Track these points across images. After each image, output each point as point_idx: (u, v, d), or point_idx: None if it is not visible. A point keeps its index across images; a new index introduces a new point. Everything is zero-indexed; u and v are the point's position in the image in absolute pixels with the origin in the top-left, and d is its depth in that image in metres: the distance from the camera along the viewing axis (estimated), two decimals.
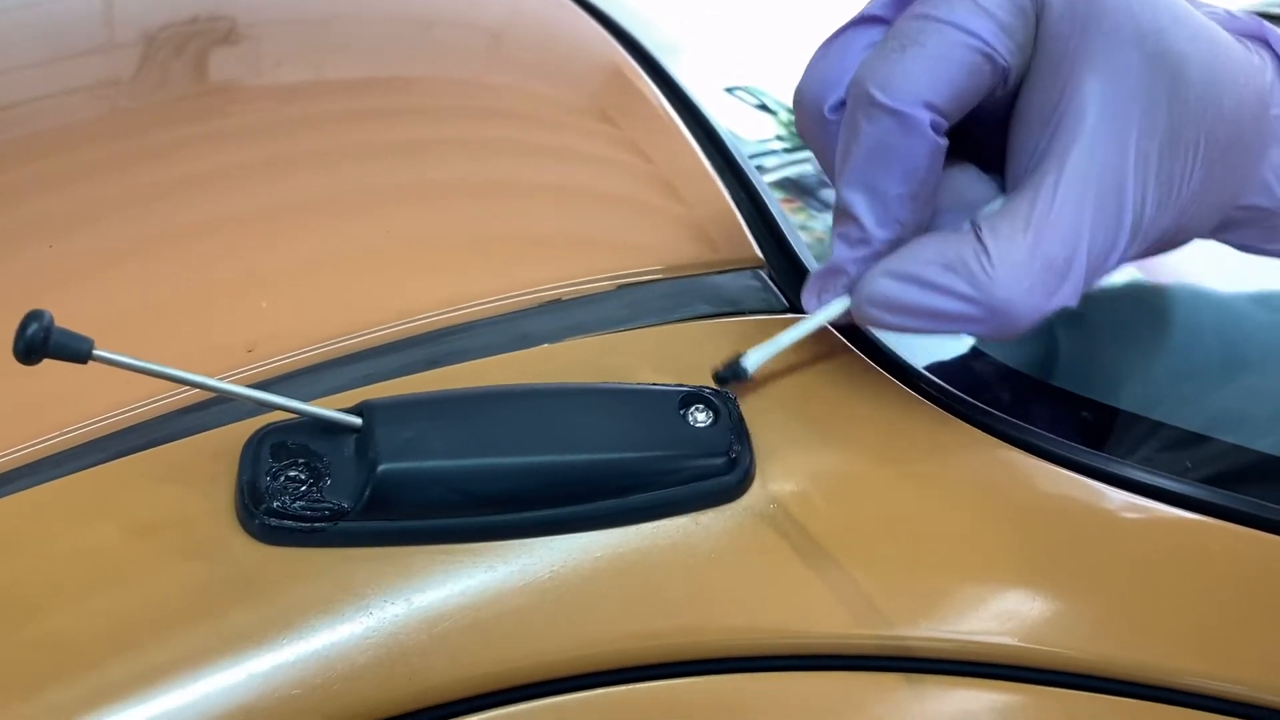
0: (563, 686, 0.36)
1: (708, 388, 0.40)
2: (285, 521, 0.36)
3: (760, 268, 0.48)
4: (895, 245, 0.40)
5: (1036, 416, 0.43)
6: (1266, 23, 0.42)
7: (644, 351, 0.43)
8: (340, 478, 0.37)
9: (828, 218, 0.50)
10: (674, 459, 0.38)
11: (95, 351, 0.35)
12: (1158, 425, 0.46)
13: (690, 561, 0.38)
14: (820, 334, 0.44)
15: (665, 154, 0.55)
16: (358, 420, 0.38)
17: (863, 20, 0.41)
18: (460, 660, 0.35)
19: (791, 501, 0.39)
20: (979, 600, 0.38)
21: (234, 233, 0.49)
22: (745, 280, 0.47)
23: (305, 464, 0.37)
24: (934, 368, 0.44)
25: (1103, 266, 0.39)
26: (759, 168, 0.54)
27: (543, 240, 0.49)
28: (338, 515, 0.36)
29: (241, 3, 0.68)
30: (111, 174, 0.54)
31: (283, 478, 0.37)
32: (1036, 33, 0.39)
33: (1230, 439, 0.46)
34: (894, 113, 0.38)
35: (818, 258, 0.48)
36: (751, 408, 0.40)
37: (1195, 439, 0.46)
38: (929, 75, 0.37)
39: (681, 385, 0.41)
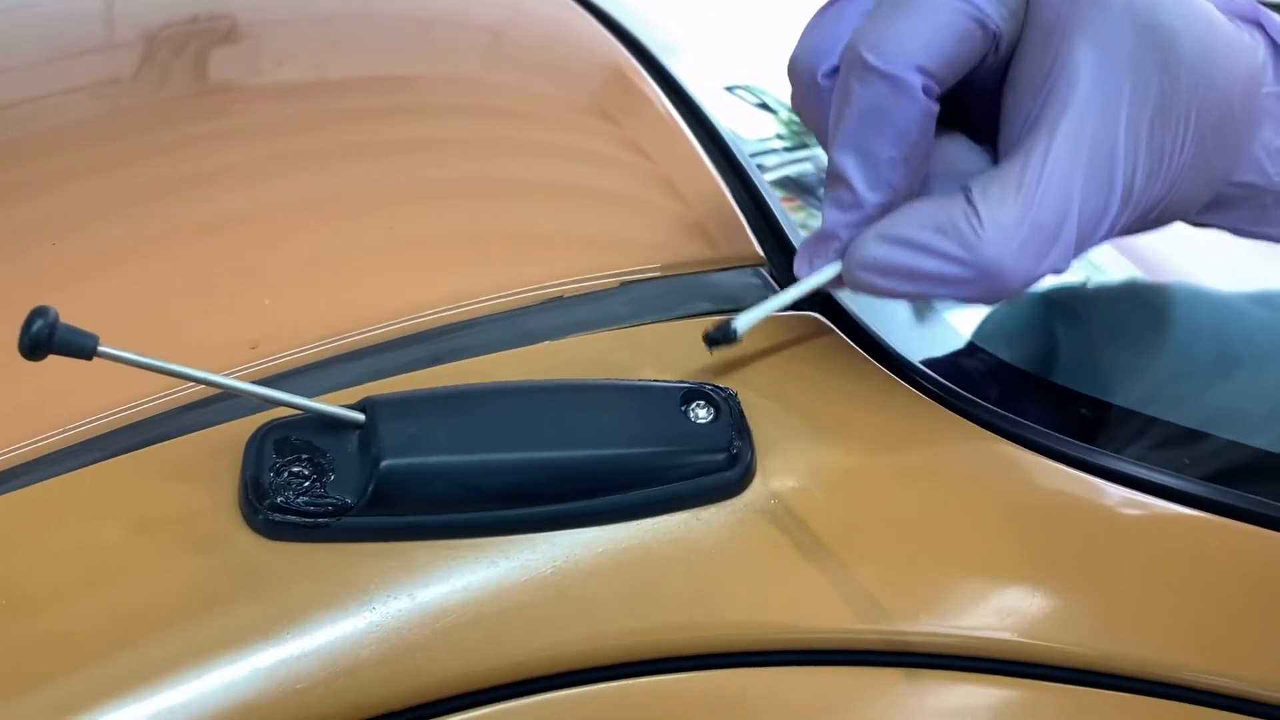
0: (565, 681, 0.36)
1: (709, 384, 0.41)
2: (289, 517, 0.36)
3: (761, 265, 0.48)
4: (887, 210, 0.40)
5: (1036, 412, 0.43)
6: (1260, 6, 0.42)
7: (645, 348, 0.43)
8: (344, 473, 0.37)
9: None
10: (675, 455, 0.38)
11: (100, 348, 0.35)
12: (1156, 422, 0.46)
13: (691, 557, 0.38)
14: (821, 331, 0.45)
15: (666, 152, 0.55)
16: (361, 416, 0.38)
17: None
18: (463, 655, 0.35)
19: (792, 497, 0.39)
20: (979, 595, 0.39)
21: (237, 230, 0.49)
22: (746, 278, 0.47)
23: (309, 460, 0.37)
24: (934, 364, 0.45)
25: (1094, 233, 0.39)
26: (759, 166, 0.54)
27: (545, 238, 0.49)
28: (341, 510, 0.36)
29: (242, 1, 0.68)
30: (113, 172, 0.54)
31: (286, 473, 0.37)
32: (1028, 0, 0.39)
33: (1229, 436, 0.46)
34: (886, 75, 0.38)
35: None
36: (752, 404, 0.41)
37: (1194, 435, 0.46)
38: (921, 39, 0.38)
39: (683, 382, 0.41)
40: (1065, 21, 0.38)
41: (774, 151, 0.59)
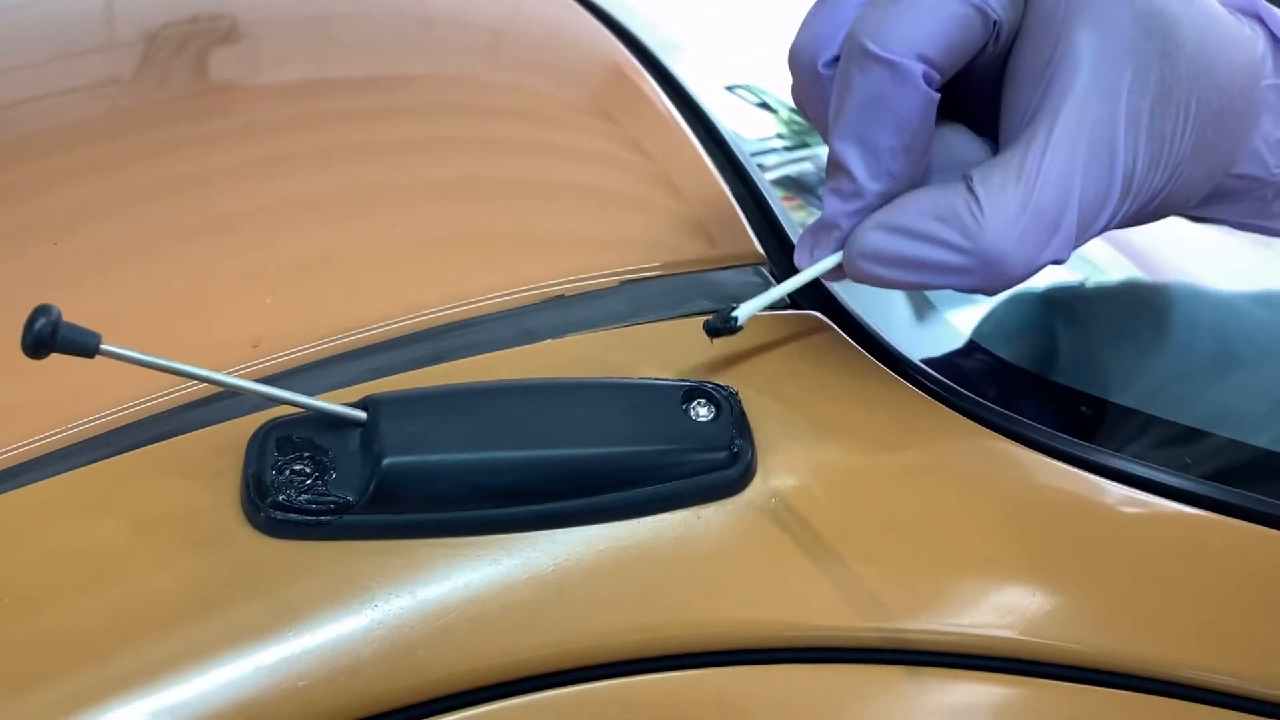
0: (566, 679, 0.36)
1: (710, 382, 0.41)
2: (291, 515, 0.36)
3: (761, 264, 0.48)
4: (887, 199, 0.39)
5: (1037, 411, 0.43)
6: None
7: (646, 347, 0.43)
8: (345, 471, 0.37)
9: None
10: (676, 453, 0.38)
11: (102, 346, 0.35)
12: (1157, 420, 0.46)
13: (692, 555, 0.38)
14: (821, 329, 0.45)
15: (667, 151, 0.55)
16: (363, 414, 0.38)
17: None
18: (464, 653, 0.36)
19: (793, 495, 0.39)
20: (980, 594, 0.39)
21: (238, 229, 0.49)
22: (746, 276, 0.47)
23: (311, 458, 0.37)
24: (934, 362, 0.45)
25: (1095, 221, 0.39)
26: (760, 165, 0.54)
27: (545, 237, 0.49)
28: (343, 508, 0.36)
29: (242, 1, 0.68)
30: (114, 172, 0.54)
31: (288, 471, 0.37)
32: None
33: (1229, 435, 0.46)
34: (887, 63, 0.38)
35: None
36: (753, 402, 0.41)
37: (1194, 434, 0.46)
38: (922, 27, 0.38)
39: (683, 380, 0.41)
40: (1065, 9, 0.38)
41: (774, 150, 0.59)
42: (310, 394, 0.38)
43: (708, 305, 0.45)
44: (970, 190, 0.38)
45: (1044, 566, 0.39)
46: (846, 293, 0.46)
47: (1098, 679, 0.38)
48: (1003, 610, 0.38)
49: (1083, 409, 0.46)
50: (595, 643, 0.36)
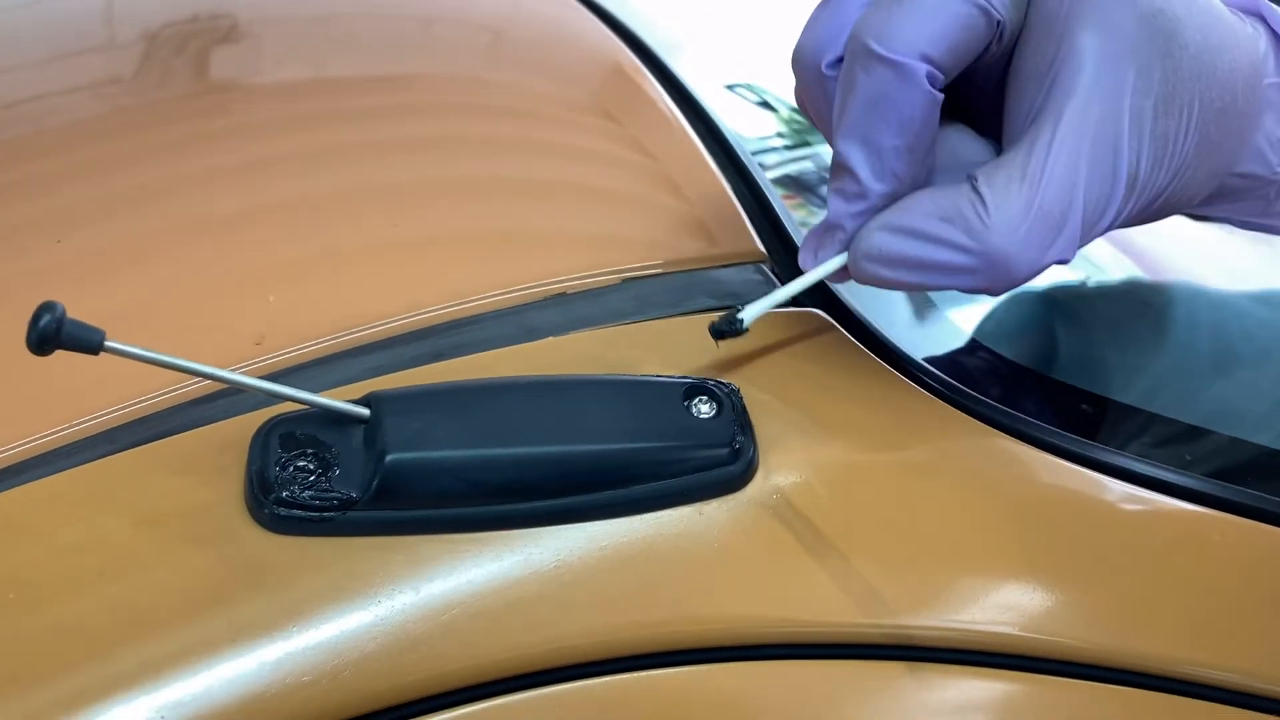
0: (568, 674, 0.36)
1: (711, 379, 0.41)
2: (294, 511, 0.36)
3: (762, 262, 0.48)
4: (891, 200, 0.39)
5: (1038, 408, 0.43)
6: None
7: (648, 344, 0.43)
8: (349, 468, 0.37)
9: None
10: (678, 450, 0.39)
11: (107, 343, 0.35)
12: (1157, 418, 0.46)
13: (694, 551, 0.38)
14: (823, 327, 0.45)
15: (668, 150, 0.55)
16: (366, 411, 0.38)
17: None
18: (467, 648, 0.36)
19: (794, 492, 0.39)
20: (981, 590, 0.39)
21: (240, 227, 0.49)
22: (747, 274, 0.47)
23: (314, 454, 0.37)
24: (936, 360, 0.45)
25: (1099, 221, 0.39)
26: (761, 164, 0.55)
27: (547, 235, 0.49)
28: (346, 505, 0.36)
29: (242, 1, 0.68)
30: (115, 171, 0.54)
31: (292, 468, 0.37)
32: None
33: (1230, 432, 0.46)
34: (890, 63, 0.38)
35: None
36: (755, 399, 0.41)
37: (1194, 432, 0.46)
38: (925, 27, 0.38)
39: (685, 377, 0.41)
40: (1068, 10, 0.38)
41: (775, 149, 0.59)
42: (313, 391, 0.38)
43: (709, 303, 0.45)
44: (975, 191, 0.38)
45: (1046, 563, 0.39)
46: (848, 291, 0.46)
47: (1099, 675, 0.38)
48: (1004, 606, 0.38)
49: (1084, 407, 0.46)
50: (598, 639, 0.36)
